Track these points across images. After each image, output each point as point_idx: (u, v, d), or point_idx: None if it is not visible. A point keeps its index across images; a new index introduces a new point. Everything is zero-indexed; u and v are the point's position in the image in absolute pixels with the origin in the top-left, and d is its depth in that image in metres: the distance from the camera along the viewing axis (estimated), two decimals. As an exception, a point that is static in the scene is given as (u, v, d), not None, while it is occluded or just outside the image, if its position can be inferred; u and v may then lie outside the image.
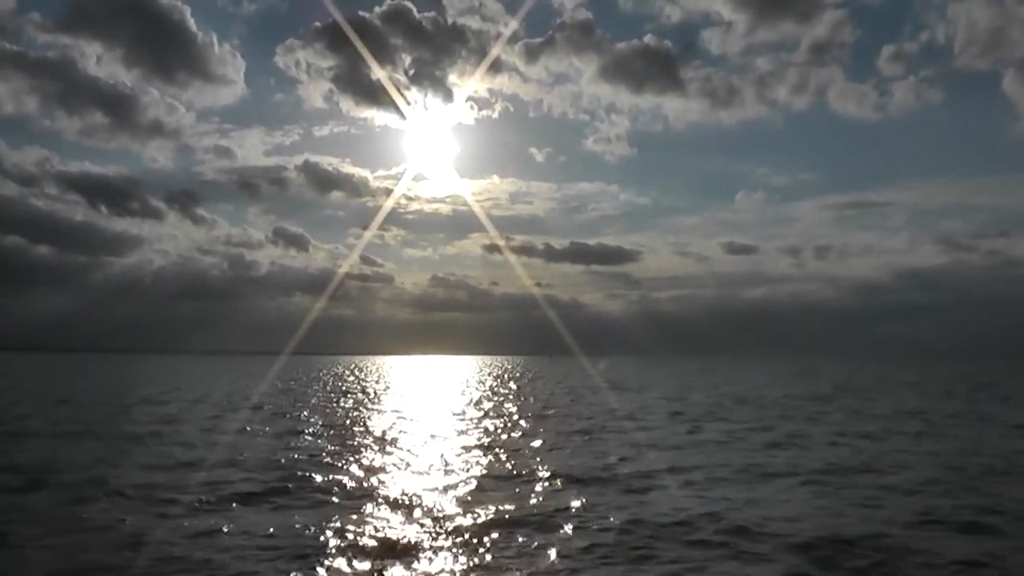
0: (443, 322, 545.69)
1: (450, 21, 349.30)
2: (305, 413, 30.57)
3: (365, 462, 17.21)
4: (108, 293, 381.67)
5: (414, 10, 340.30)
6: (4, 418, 27.42)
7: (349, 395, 43.65)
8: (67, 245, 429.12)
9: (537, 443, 20.89)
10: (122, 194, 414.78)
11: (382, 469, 16.31)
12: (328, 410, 32.27)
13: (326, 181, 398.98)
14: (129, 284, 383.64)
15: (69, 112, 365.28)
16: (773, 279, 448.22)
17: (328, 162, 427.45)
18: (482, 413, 31.25)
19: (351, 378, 71.12)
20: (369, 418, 28.79)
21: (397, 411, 32.33)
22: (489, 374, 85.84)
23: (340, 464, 16.90)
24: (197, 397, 40.26)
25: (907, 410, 32.97)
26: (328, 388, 51.07)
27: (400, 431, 23.97)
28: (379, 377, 76.40)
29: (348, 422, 26.92)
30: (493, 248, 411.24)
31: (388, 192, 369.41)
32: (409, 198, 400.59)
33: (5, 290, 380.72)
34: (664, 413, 31.55)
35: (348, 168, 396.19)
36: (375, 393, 46.44)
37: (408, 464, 17.02)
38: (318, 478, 15.01)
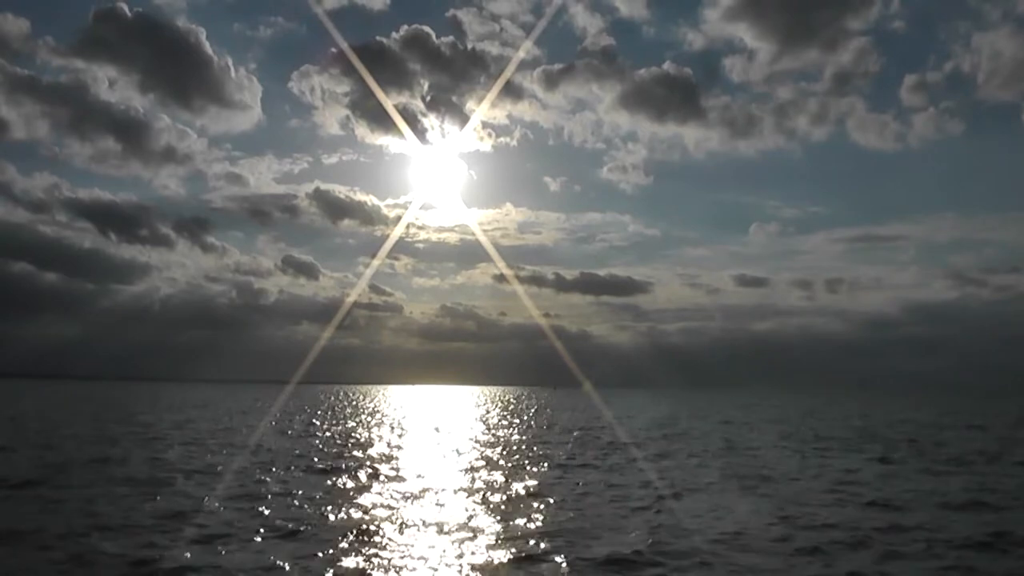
0: (450, 352, 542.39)
1: (469, 46, 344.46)
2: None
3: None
4: (116, 320, 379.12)
5: (433, 35, 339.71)
6: None
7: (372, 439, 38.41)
8: (75, 272, 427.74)
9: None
10: (132, 221, 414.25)
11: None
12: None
13: (337, 209, 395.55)
14: (137, 312, 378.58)
15: (81, 138, 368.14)
16: (782, 312, 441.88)
17: (339, 190, 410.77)
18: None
19: (368, 416, 67.72)
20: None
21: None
22: (510, 424, 77.64)
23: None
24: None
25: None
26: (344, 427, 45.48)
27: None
28: (397, 417, 72.35)
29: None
30: (502, 278, 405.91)
31: (399, 220, 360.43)
32: (419, 227, 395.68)
33: (13, 316, 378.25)
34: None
35: (359, 196, 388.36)
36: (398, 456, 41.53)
37: None
38: None
